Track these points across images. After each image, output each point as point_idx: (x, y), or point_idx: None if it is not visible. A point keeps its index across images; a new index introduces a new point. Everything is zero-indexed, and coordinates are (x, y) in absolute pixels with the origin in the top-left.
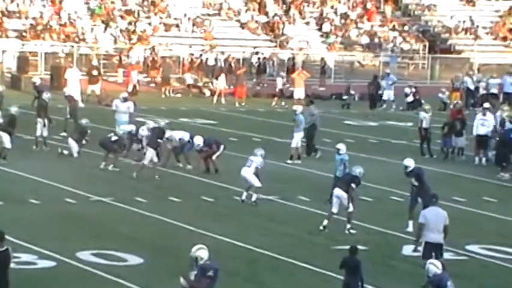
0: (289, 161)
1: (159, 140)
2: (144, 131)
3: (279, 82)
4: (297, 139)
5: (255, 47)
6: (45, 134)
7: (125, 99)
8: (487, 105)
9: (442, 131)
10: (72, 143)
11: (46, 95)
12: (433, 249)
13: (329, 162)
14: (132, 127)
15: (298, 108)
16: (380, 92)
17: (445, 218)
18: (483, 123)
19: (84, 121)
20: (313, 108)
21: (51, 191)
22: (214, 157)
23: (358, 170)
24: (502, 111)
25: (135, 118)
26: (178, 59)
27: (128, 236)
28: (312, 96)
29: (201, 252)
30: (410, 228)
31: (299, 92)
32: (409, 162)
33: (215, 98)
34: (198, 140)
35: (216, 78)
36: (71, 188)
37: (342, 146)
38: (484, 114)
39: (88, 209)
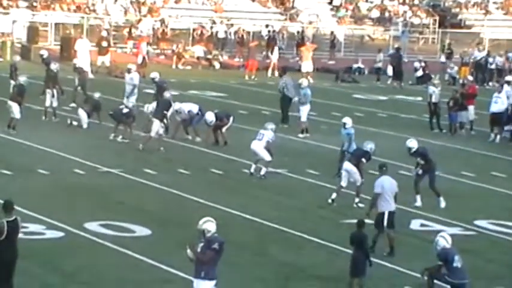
0: (300, 135)
1: (164, 112)
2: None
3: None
4: (305, 113)
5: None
6: (54, 104)
7: (129, 71)
8: (509, 78)
9: (448, 105)
10: (83, 114)
11: (54, 65)
12: (389, 218)
13: (337, 135)
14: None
15: (304, 81)
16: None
17: (397, 186)
18: (496, 101)
19: (97, 95)
20: (285, 78)
21: (59, 162)
22: (224, 129)
23: (369, 146)
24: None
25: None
26: (188, 31)
27: (136, 207)
28: (321, 69)
29: (208, 225)
30: (418, 203)
31: (307, 65)
32: (412, 144)
33: (270, 71)
34: (210, 116)
35: (271, 52)
36: (80, 159)
37: (348, 120)
38: (499, 92)
39: (96, 180)
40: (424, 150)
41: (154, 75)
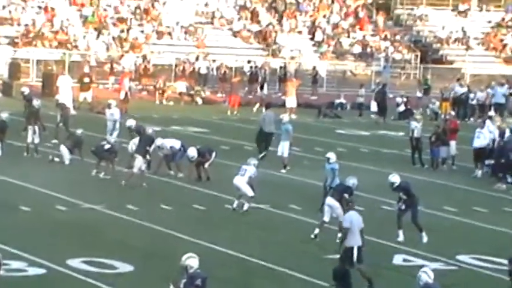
0: (283, 171)
1: (147, 148)
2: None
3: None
4: (286, 148)
5: (249, 61)
6: (36, 141)
7: (109, 106)
8: (492, 113)
9: (430, 140)
10: (64, 151)
11: (36, 102)
12: (358, 252)
13: (320, 170)
14: (133, 122)
15: (285, 117)
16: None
17: (361, 221)
18: (478, 136)
19: (79, 131)
20: (265, 112)
21: (41, 198)
22: (206, 165)
23: (352, 181)
24: (494, 122)
25: (116, 125)
26: (171, 67)
27: (119, 243)
28: (304, 105)
29: (191, 261)
30: (400, 238)
31: (291, 101)
32: (395, 178)
33: (256, 106)
34: (192, 152)
35: (261, 88)
36: (62, 195)
37: (332, 155)
38: (482, 127)
39: (79, 216)
40: (407, 184)
41: (130, 123)
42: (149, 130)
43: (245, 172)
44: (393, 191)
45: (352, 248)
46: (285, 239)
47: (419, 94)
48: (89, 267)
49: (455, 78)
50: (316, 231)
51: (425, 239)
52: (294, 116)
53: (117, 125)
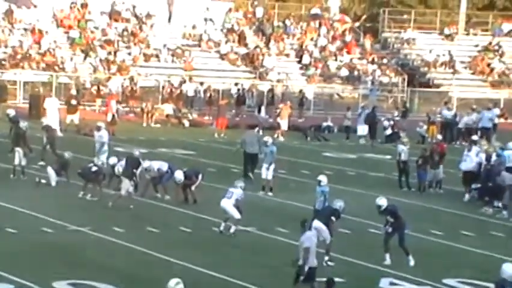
0: (261, 192)
1: (134, 171)
2: (111, 161)
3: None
4: (271, 171)
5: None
6: (23, 163)
7: (98, 128)
8: (475, 137)
9: (417, 163)
10: (51, 172)
11: (23, 124)
12: (315, 273)
13: (307, 193)
14: (115, 160)
15: (269, 139)
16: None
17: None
18: (465, 159)
19: (67, 154)
20: (245, 134)
21: (28, 220)
22: (193, 187)
23: (339, 204)
24: (481, 146)
25: (105, 147)
26: (158, 89)
27: (105, 265)
28: (291, 128)
29: (180, 287)
30: (387, 261)
31: (284, 124)
32: (382, 202)
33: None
34: (179, 175)
35: (259, 111)
36: (48, 217)
37: (323, 178)
38: (469, 150)
39: (65, 239)
40: (394, 208)
41: (113, 161)
42: (136, 152)
43: (232, 195)
44: (380, 214)
45: (311, 268)
46: (271, 262)
47: (396, 118)
48: None
49: (442, 102)
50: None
51: (412, 262)
52: (282, 139)
53: (106, 147)
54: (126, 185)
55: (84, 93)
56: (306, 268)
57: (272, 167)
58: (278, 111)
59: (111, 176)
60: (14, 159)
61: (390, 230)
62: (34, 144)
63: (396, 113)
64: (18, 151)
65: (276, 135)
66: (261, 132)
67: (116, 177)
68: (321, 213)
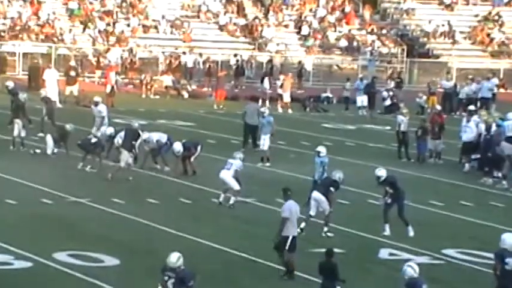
0: (259, 164)
1: (133, 142)
2: (108, 131)
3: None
4: (267, 141)
5: (235, 54)
6: (22, 134)
7: (96, 104)
8: (471, 107)
9: (416, 134)
10: (49, 140)
11: (22, 95)
12: (292, 242)
13: (306, 164)
14: (111, 130)
15: (266, 110)
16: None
17: (299, 211)
18: (465, 130)
19: (68, 126)
20: (247, 105)
21: (27, 192)
22: (192, 159)
23: (338, 175)
24: (480, 116)
25: (105, 121)
26: (157, 61)
27: (105, 237)
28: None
29: (181, 261)
30: (387, 232)
31: (286, 96)
32: (381, 172)
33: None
34: (178, 146)
35: (261, 81)
36: (48, 189)
37: (322, 149)
38: (468, 121)
39: (65, 210)
40: (393, 178)
41: (110, 131)
42: (135, 124)
43: (231, 166)
44: (379, 185)
45: (287, 237)
46: (270, 233)
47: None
48: (74, 261)
49: (442, 72)
50: (302, 225)
51: (411, 233)
52: (290, 111)
53: (106, 120)
54: (125, 157)
55: (84, 65)
56: (290, 238)
57: (268, 137)
58: (280, 82)
59: (110, 147)
60: (14, 130)
61: (389, 200)
62: (33, 116)
63: (393, 84)
64: (18, 123)
65: (278, 107)
66: (267, 104)
67: (115, 149)
68: (320, 184)
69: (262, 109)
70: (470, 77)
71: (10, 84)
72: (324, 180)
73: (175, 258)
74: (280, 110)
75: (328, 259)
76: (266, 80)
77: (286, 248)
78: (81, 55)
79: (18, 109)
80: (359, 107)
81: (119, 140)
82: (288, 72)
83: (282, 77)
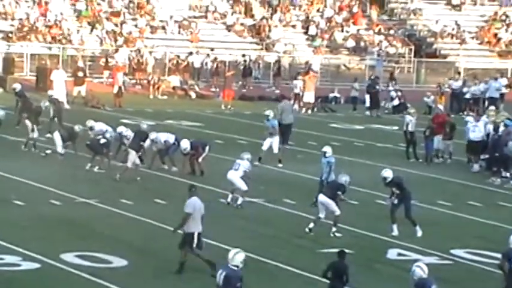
0: (280, 165)
1: (141, 143)
2: (128, 132)
3: (297, 85)
4: (276, 144)
5: (243, 54)
6: (35, 135)
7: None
8: (492, 107)
9: (424, 134)
10: (57, 138)
11: (44, 104)
12: (198, 238)
13: (314, 164)
14: (122, 129)
15: (270, 113)
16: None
17: (203, 208)
18: (474, 130)
19: (77, 127)
20: (279, 104)
21: (35, 192)
22: (200, 159)
23: (344, 179)
24: (489, 116)
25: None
26: (164, 61)
27: (113, 237)
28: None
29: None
30: (395, 232)
31: (309, 96)
32: (388, 173)
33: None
34: (185, 144)
35: (295, 78)
36: (56, 190)
37: (328, 149)
38: (477, 121)
39: (73, 211)
40: (399, 179)
41: (120, 129)
42: (144, 125)
43: (239, 167)
44: (386, 186)
45: (192, 234)
46: (278, 233)
47: (390, 87)
48: (82, 262)
49: (449, 72)
50: (311, 225)
51: (419, 233)
52: (309, 112)
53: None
54: (133, 157)
55: (92, 66)
56: (195, 234)
57: (277, 140)
58: (298, 82)
59: (119, 147)
60: (29, 132)
61: (396, 201)
62: (41, 116)
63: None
64: (29, 125)
65: (297, 108)
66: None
67: (123, 150)
68: (326, 187)
69: (266, 112)
70: (471, 77)
71: (17, 86)
72: (331, 183)
73: (242, 257)
74: (303, 111)
75: (340, 260)
76: (299, 79)
77: (194, 245)
78: (89, 56)
79: (36, 114)
80: (367, 107)
81: (126, 140)
82: (295, 72)
83: (300, 77)
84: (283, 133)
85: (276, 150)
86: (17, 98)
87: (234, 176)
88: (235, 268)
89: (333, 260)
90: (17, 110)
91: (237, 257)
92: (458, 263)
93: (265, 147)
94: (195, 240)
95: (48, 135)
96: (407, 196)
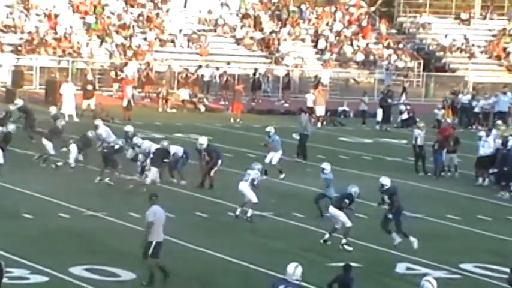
0: (281, 176)
1: (165, 160)
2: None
3: (309, 98)
4: (276, 158)
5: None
6: (51, 152)
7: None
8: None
9: (433, 148)
10: (74, 150)
11: (60, 122)
12: (156, 248)
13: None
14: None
15: (271, 129)
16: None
17: (164, 217)
18: (483, 145)
19: (90, 133)
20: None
21: (44, 206)
22: (212, 173)
23: (353, 189)
24: (498, 130)
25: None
26: (174, 74)
27: (121, 251)
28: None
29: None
30: (397, 241)
31: (320, 109)
32: (386, 181)
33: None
34: (203, 140)
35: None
36: (65, 203)
37: (326, 166)
38: (488, 136)
39: (81, 224)
40: (394, 189)
41: (129, 128)
42: (164, 143)
43: (248, 177)
44: (381, 193)
45: (151, 243)
46: (287, 246)
47: (402, 101)
48: (91, 275)
49: (457, 87)
50: (326, 236)
51: (415, 244)
52: (319, 125)
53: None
54: (153, 175)
55: (101, 79)
56: (153, 244)
57: (279, 154)
58: (309, 96)
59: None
60: (49, 150)
61: (390, 216)
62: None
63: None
64: (47, 144)
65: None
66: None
67: (132, 161)
68: (335, 199)
69: (267, 129)
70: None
71: (20, 102)
72: (340, 195)
73: (300, 270)
74: (318, 124)
75: (346, 274)
76: (312, 92)
77: (149, 253)
78: (98, 69)
79: (55, 132)
80: (378, 122)
81: (131, 152)
82: (305, 86)
83: (311, 90)
84: (304, 143)
85: (274, 162)
86: (20, 113)
87: (245, 187)
88: (296, 282)
89: (338, 273)
90: (24, 125)
91: (297, 271)
92: (468, 277)
93: (267, 160)
94: (151, 249)
95: (64, 149)
96: (396, 207)
